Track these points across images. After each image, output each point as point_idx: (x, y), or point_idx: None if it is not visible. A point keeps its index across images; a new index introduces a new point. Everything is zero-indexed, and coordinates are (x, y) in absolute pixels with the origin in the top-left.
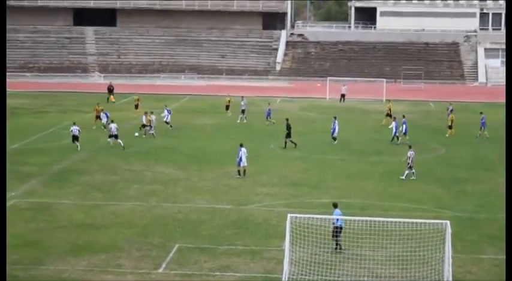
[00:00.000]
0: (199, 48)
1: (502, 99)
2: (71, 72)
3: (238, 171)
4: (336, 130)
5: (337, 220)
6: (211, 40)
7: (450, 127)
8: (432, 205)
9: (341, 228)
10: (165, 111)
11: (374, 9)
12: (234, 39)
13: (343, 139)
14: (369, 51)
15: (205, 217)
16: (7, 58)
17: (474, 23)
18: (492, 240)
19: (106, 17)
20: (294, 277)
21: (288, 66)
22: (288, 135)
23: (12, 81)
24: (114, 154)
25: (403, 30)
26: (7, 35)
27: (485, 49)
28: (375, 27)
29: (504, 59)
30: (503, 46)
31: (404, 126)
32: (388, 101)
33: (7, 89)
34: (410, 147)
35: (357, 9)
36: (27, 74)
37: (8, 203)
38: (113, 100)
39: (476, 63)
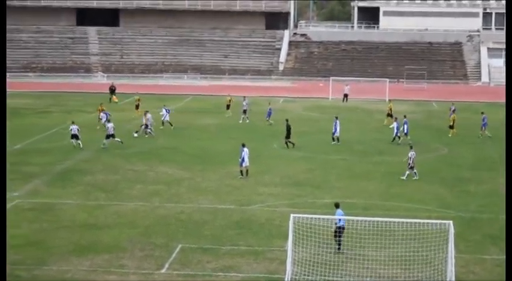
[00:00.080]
0: (202, 48)
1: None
2: (74, 72)
3: (241, 171)
4: (338, 130)
5: (339, 220)
6: (214, 40)
7: (451, 127)
8: (435, 205)
9: (343, 228)
10: (164, 110)
11: (377, 9)
12: (237, 39)
13: (346, 139)
14: (372, 51)
15: (208, 217)
16: (10, 58)
17: (477, 23)
18: (495, 240)
19: (109, 17)
20: (297, 277)
21: (291, 66)
22: (288, 136)
23: (16, 82)
24: (117, 154)
25: (406, 30)
26: (10, 35)
27: (488, 49)
28: (377, 27)
29: None
30: None
31: (405, 126)
32: (389, 101)
33: (10, 89)
34: (411, 147)
35: (360, 9)
36: (30, 74)
37: (11, 204)
38: (116, 100)
39: (479, 63)
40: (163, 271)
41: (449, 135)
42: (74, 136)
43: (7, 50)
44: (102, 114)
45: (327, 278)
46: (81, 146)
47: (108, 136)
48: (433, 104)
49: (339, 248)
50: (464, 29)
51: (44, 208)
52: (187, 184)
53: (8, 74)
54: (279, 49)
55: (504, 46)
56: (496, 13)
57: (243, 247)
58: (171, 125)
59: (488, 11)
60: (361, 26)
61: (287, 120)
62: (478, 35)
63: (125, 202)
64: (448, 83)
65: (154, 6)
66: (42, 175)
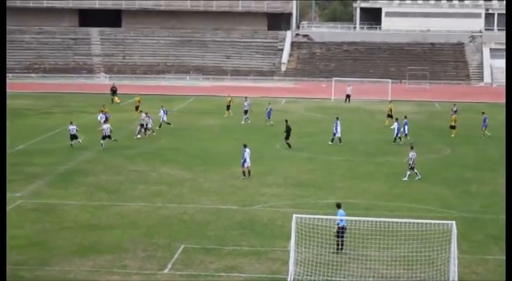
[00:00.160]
0: (204, 49)
1: None
2: (76, 73)
3: (243, 172)
4: (339, 131)
5: (341, 220)
6: (217, 41)
7: (453, 127)
8: (438, 206)
9: (344, 229)
10: (161, 111)
11: (379, 10)
12: (239, 40)
13: (348, 140)
14: (374, 52)
15: (210, 218)
16: (13, 59)
17: (479, 24)
18: (498, 240)
19: (111, 18)
20: (300, 277)
21: (293, 67)
22: (287, 136)
23: (18, 82)
24: (119, 154)
25: (408, 30)
26: (13, 36)
27: (491, 49)
28: (380, 28)
29: None
30: None
31: (405, 127)
32: (389, 101)
33: (13, 90)
34: (412, 148)
35: (362, 9)
36: (33, 75)
37: (14, 204)
38: (118, 101)
39: (481, 63)
40: (165, 271)
41: (452, 135)
42: (73, 136)
43: (9, 51)
44: (101, 115)
45: (329, 278)
46: (80, 142)
47: (104, 137)
48: (435, 105)
49: (338, 249)
50: (467, 29)
51: (47, 208)
52: (189, 184)
53: (10, 74)
54: (281, 50)
55: None
56: (498, 14)
57: (245, 247)
58: (170, 124)
59: (490, 11)
60: (363, 27)
61: (286, 120)
62: (480, 36)
63: (128, 203)
64: (450, 84)
65: (157, 7)
66: (45, 175)
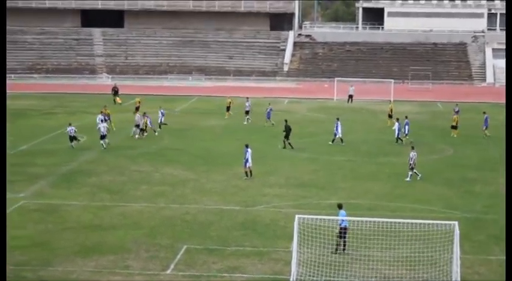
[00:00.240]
0: (206, 49)
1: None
2: (79, 73)
3: (246, 172)
4: (339, 131)
5: (342, 221)
6: (219, 41)
7: (454, 128)
8: (440, 206)
9: (346, 229)
10: (159, 112)
11: (382, 10)
12: (241, 40)
13: (351, 140)
14: (377, 52)
15: (213, 218)
16: (15, 60)
17: (482, 24)
18: (500, 241)
19: (113, 18)
20: (302, 278)
21: (296, 67)
22: (287, 136)
23: (21, 83)
24: (122, 155)
25: (410, 30)
26: (15, 36)
27: (493, 49)
28: (382, 28)
29: None
30: None
31: (406, 127)
32: (390, 101)
33: (16, 91)
34: (413, 148)
35: (365, 9)
36: (35, 75)
37: (17, 205)
38: (120, 102)
39: (484, 63)
40: (168, 271)
41: (455, 136)
42: (72, 138)
43: (12, 51)
44: (100, 116)
45: (332, 279)
46: (80, 140)
47: (102, 137)
48: (438, 105)
49: (337, 249)
50: (469, 29)
51: (49, 209)
52: (192, 185)
53: (13, 75)
54: (284, 50)
55: None
56: (500, 14)
57: (248, 247)
58: (166, 124)
59: (493, 11)
60: (365, 27)
61: (286, 120)
62: (483, 36)
63: (130, 203)
64: (453, 84)
65: (159, 8)
66: (48, 176)
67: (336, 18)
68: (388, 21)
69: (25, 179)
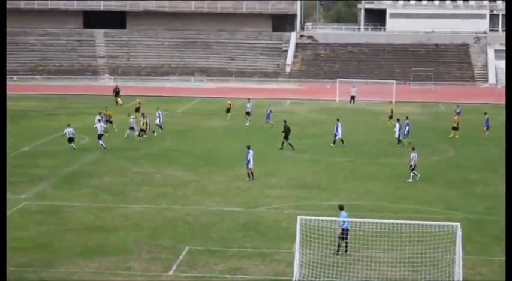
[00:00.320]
0: (208, 50)
1: None
2: (81, 74)
3: (248, 174)
4: (339, 132)
5: (343, 222)
6: (221, 42)
7: (455, 129)
8: (442, 207)
9: (347, 230)
10: (157, 113)
11: (384, 11)
12: (243, 42)
13: (352, 141)
14: (379, 53)
15: (215, 219)
16: (17, 61)
17: (484, 25)
18: (502, 242)
19: (116, 20)
20: (304, 279)
21: (298, 68)
22: (286, 137)
23: (23, 84)
24: (123, 156)
25: (412, 31)
26: (17, 37)
27: (495, 50)
28: (384, 29)
29: None
30: None
31: (407, 128)
32: (390, 102)
33: (18, 92)
34: (413, 148)
35: (367, 11)
36: (37, 76)
37: (19, 206)
38: (121, 102)
39: (486, 64)
40: (170, 273)
41: (456, 136)
42: (71, 139)
43: (14, 52)
44: (98, 116)
45: (334, 280)
46: (75, 145)
47: (99, 136)
48: (440, 106)
49: (338, 250)
50: (471, 30)
51: (51, 210)
52: (194, 186)
53: (15, 76)
54: (286, 51)
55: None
56: (503, 15)
57: (250, 249)
58: (160, 128)
59: (495, 12)
60: (367, 28)
61: (285, 121)
62: (485, 37)
63: (132, 204)
64: (455, 85)
65: (161, 9)
66: (50, 177)
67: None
68: (390, 22)
69: (27, 181)
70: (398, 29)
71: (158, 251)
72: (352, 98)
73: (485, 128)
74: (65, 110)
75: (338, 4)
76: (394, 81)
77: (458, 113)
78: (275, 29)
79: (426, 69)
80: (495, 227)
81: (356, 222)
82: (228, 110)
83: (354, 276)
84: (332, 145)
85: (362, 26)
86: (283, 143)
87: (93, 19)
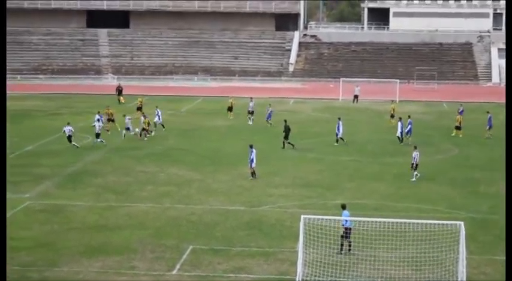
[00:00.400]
0: (212, 49)
1: None
2: (85, 74)
3: (252, 173)
4: (341, 131)
5: (346, 221)
6: (224, 41)
7: (457, 128)
8: (445, 206)
9: (350, 229)
10: (155, 111)
11: (387, 10)
12: (247, 41)
13: (356, 140)
14: (382, 52)
15: (218, 219)
16: (21, 60)
17: (487, 23)
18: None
19: (119, 19)
20: (308, 278)
21: (301, 67)
22: (286, 136)
23: (26, 83)
24: (127, 155)
25: (416, 30)
26: (21, 37)
27: (499, 49)
28: (388, 28)
29: None
30: None
31: (409, 126)
32: (392, 101)
33: (21, 91)
34: (415, 147)
35: (370, 10)
36: (41, 76)
37: (22, 205)
38: (123, 101)
39: (489, 63)
40: (174, 272)
41: (460, 135)
42: (69, 137)
43: (17, 52)
44: (97, 115)
45: (338, 279)
46: (72, 144)
47: (96, 135)
48: (443, 105)
49: (342, 249)
50: (475, 29)
51: (55, 209)
52: (197, 185)
53: (18, 76)
54: (289, 50)
55: None
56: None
57: (253, 248)
58: (155, 127)
59: (498, 11)
60: (371, 27)
61: (285, 121)
62: (489, 36)
63: (136, 204)
64: (458, 84)
65: (164, 8)
66: (53, 176)
67: (341, 18)
68: (393, 21)
69: (30, 180)
70: (402, 28)
71: (162, 250)
72: (356, 97)
73: (488, 127)
74: (68, 110)
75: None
76: (398, 80)
77: (461, 112)
78: (278, 28)
79: (430, 68)
80: (499, 226)
81: (360, 221)
82: (229, 109)
83: (358, 275)
84: (335, 144)
85: (365, 25)
86: (284, 142)
87: (97, 18)
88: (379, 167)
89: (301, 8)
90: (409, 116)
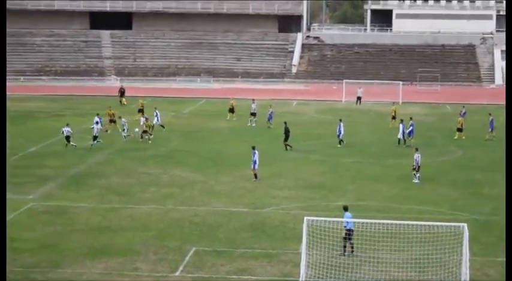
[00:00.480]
0: (215, 51)
1: None
2: (88, 75)
3: (255, 175)
4: (342, 132)
5: (347, 222)
6: (227, 43)
7: (458, 130)
8: (448, 208)
9: (352, 231)
10: (154, 113)
11: (390, 12)
12: (249, 42)
13: (359, 142)
14: (385, 54)
15: (221, 220)
16: (24, 62)
17: (491, 25)
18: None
19: (122, 21)
20: (311, 280)
21: (304, 69)
22: (286, 138)
23: (29, 85)
24: (130, 157)
25: (419, 32)
26: (24, 38)
27: (502, 51)
28: (391, 30)
29: None
30: None
31: (411, 128)
32: (393, 103)
33: (24, 93)
34: (416, 149)
35: (373, 11)
36: (44, 77)
37: (26, 207)
38: (125, 103)
39: (492, 65)
40: (177, 274)
41: (463, 137)
42: (68, 138)
43: (20, 53)
44: (96, 118)
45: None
46: (67, 146)
47: (95, 138)
48: (446, 107)
49: (345, 251)
50: (478, 31)
51: (58, 211)
52: (200, 186)
53: (22, 77)
54: (292, 52)
55: None
56: None
57: (257, 249)
58: (152, 128)
59: (501, 13)
60: (374, 29)
61: (285, 122)
62: (492, 38)
63: (139, 205)
64: (461, 86)
65: (167, 10)
66: (57, 178)
67: (344, 20)
68: (396, 23)
69: (34, 181)
70: (405, 29)
71: (165, 252)
72: (359, 98)
73: (490, 129)
74: (71, 111)
75: (344, 5)
76: (401, 82)
77: (464, 114)
78: (281, 29)
79: (432, 69)
80: (501, 228)
81: (363, 223)
82: (230, 110)
83: (361, 277)
84: (338, 145)
85: (368, 27)
86: (285, 144)
87: (100, 20)
88: (381, 168)
89: (304, 9)
90: (410, 118)
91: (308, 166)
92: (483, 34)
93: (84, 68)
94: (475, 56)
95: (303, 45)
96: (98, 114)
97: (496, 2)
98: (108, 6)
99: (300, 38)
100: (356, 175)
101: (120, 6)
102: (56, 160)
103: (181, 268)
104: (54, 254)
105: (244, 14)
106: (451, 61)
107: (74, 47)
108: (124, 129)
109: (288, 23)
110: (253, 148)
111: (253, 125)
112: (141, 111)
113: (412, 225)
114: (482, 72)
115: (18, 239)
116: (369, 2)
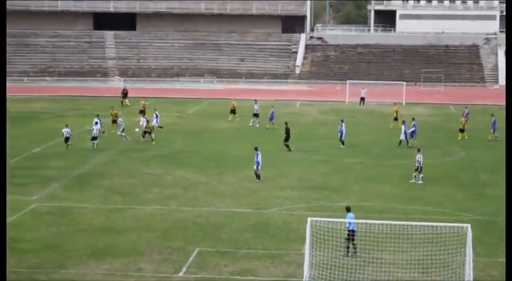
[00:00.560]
0: (218, 52)
1: None
2: (91, 76)
3: (258, 175)
4: (343, 133)
5: (350, 223)
6: (231, 44)
7: (461, 130)
8: (452, 208)
9: (354, 232)
10: (154, 114)
11: (393, 12)
12: (253, 43)
13: (362, 142)
14: (389, 54)
15: (225, 221)
16: (27, 63)
17: (494, 26)
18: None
19: (126, 21)
20: (314, 280)
21: (308, 70)
22: (287, 139)
23: (33, 86)
24: (134, 157)
25: (422, 33)
26: (27, 39)
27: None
28: (394, 30)
29: None
30: None
31: (413, 128)
32: (394, 104)
33: (28, 94)
34: (418, 150)
35: (377, 12)
36: (48, 78)
37: (29, 207)
38: (128, 104)
39: (496, 65)
40: (180, 274)
41: (466, 137)
42: (67, 139)
43: (24, 54)
44: (96, 119)
45: None
46: (68, 147)
47: (93, 138)
48: (450, 107)
49: (348, 252)
50: (482, 31)
51: (62, 211)
52: (204, 187)
53: (25, 78)
54: (296, 53)
55: None
56: None
57: (260, 250)
58: (153, 129)
59: (505, 13)
60: (377, 29)
61: (286, 123)
62: (495, 38)
63: (142, 206)
64: (465, 86)
65: (171, 10)
66: (60, 178)
67: (347, 20)
68: (400, 23)
69: (38, 182)
70: (408, 30)
71: (169, 252)
72: (362, 99)
73: (492, 130)
74: (75, 112)
75: (348, 5)
76: (404, 83)
77: (466, 115)
78: (285, 30)
79: (436, 70)
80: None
81: (366, 224)
82: (232, 111)
83: (364, 278)
84: (342, 146)
85: (372, 27)
86: (287, 145)
87: (103, 21)
88: (385, 169)
89: (307, 10)
90: (413, 119)
91: (311, 167)
92: (487, 35)
93: (87, 68)
94: (478, 57)
95: (307, 46)
96: (98, 115)
97: (500, 2)
98: (111, 7)
99: (303, 38)
100: (359, 175)
101: (123, 7)
102: (59, 161)
103: (184, 269)
104: (58, 255)
105: (248, 14)
106: (455, 62)
107: (78, 48)
108: (123, 130)
109: (292, 23)
110: (256, 149)
111: (257, 125)
112: (142, 112)
113: (416, 226)
114: (486, 73)
115: (22, 239)
116: (373, 2)
